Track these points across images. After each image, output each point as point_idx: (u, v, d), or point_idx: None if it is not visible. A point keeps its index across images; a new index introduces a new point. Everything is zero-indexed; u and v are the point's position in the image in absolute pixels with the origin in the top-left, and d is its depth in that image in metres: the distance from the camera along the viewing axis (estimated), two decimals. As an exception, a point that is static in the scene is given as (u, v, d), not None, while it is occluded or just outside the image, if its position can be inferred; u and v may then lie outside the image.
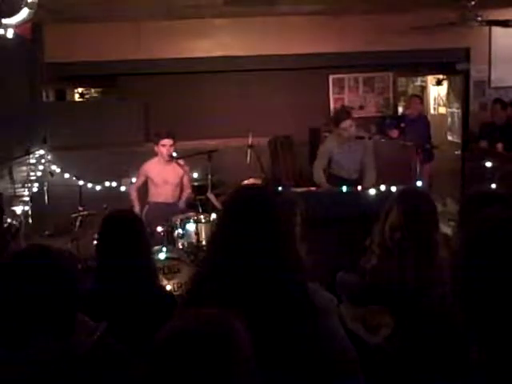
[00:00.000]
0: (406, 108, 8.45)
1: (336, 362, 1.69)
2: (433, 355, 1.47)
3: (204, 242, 5.05)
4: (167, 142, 5.49)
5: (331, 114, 6.79)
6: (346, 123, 5.40)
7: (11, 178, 6.31)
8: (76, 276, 1.71)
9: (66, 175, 7.01)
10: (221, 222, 1.82)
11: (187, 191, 5.73)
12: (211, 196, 5.59)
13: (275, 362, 1.55)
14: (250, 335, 1.24)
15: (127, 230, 2.56)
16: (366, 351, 1.93)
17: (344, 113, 5.64)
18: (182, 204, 5.69)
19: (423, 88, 10.98)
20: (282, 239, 1.72)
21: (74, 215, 5.50)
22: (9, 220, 5.71)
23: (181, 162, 5.63)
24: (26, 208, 6.33)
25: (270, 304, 1.62)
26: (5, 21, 4.25)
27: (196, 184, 5.96)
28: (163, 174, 5.62)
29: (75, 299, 1.65)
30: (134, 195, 5.74)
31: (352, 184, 5.27)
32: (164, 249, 4.69)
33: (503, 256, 1.18)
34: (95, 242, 2.68)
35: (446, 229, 3.00)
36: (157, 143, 5.55)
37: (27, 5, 4.19)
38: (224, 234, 1.75)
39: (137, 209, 5.55)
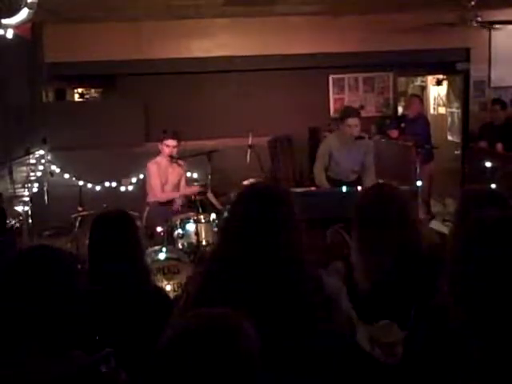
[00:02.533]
0: (405, 108, 8.45)
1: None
2: (441, 363, 1.46)
3: (204, 242, 5.05)
4: (171, 142, 5.53)
5: (340, 110, 6.77)
6: (354, 120, 5.38)
7: (11, 178, 6.31)
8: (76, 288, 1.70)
9: (66, 175, 7.01)
10: (233, 216, 1.81)
11: (185, 189, 5.76)
12: (211, 196, 5.59)
13: (283, 361, 1.54)
14: (257, 334, 1.24)
15: (114, 229, 2.55)
16: (385, 372, 1.93)
17: (354, 110, 5.68)
18: (179, 201, 5.71)
19: (423, 88, 10.97)
20: (293, 235, 1.73)
21: (73, 215, 5.49)
22: (12, 220, 5.71)
23: (180, 162, 5.66)
24: (26, 208, 6.33)
25: (281, 301, 1.62)
26: (5, 21, 4.25)
27: (196, 184, 5.96)
28: (167, 173, 5.65)
29: (72, 314, 1.65)
30: (164, 195, 5.68)
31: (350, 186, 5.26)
32: (164, 249, 4.69)
33: (502, 254, 1.18)
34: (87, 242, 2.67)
35: (443, 228, 2.99)
36: (161, 141, 5.58)
37: (27, 5, 4.19)
38: (235, 229, 1.75)
39: (177, 195, 5.66)
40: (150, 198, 5.66)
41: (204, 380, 1.14)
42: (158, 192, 5.61)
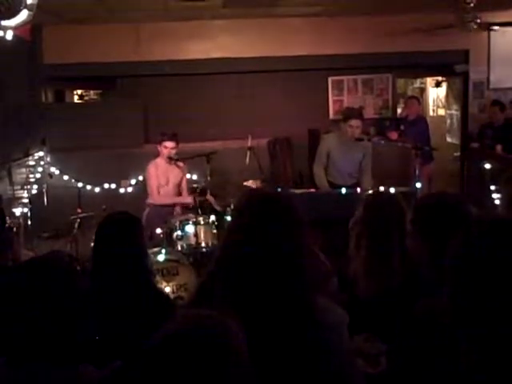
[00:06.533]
0: (403, 109, 8.45)
1: (336, 377, 1.66)
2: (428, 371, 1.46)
3: (203, 244, 5.04)
4: (170, 144, 5.55)
5: (343, 110, 6.77)
6: (356, 122, 5.39)
7: (10, 179, 6.30)
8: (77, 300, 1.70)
9: (65, 177, 7.01)
10: (239, 225, 1.74)
11: (185, 195, 5.74)
12: (210, 198, 5.59)
13: (269, 368, 1.53)
14: (245, 337, 1.24)
15: (123, 231, 2.56)
16: (372, 381, 1.93)
17: (356, 112, 5.69)
18: (178, 209, 5.71)
19: (422, 90, 10.99)
20: (301, 251, 1.67)
21: (72, 217, 5.50)
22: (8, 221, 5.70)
23: (180, 163, 5.66)
24: (25, 210, 6.32)
25: (271, 313, 1.59)
26: (4, 23, 4.24)
27: (195, 186, 5.96)
28: (167, 174, 5.66)
29: (75, 322, 1.65)
30: (160, 199, 5.66)
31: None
32: (163, 251, 4.69)
33: (496, 257, 1.18)
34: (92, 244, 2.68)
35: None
36: (160, 143, 5.59)
37: (27, 7, 4.18)
38: (239, 239, 1.70)
39: (174, 200, 5.69)
40: (150, 200, 5.68)
41: (193, 382, 1.14)
42: (154, 194, 5.62)
